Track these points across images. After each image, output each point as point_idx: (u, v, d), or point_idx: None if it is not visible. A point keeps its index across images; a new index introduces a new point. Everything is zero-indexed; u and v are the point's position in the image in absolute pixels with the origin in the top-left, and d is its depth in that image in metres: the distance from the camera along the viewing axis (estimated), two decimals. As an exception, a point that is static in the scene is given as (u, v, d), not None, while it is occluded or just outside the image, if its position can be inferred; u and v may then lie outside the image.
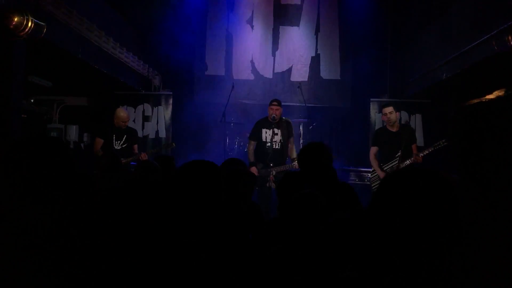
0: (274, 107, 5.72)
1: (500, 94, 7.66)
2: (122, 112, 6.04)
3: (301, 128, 7.90)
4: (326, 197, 2.19)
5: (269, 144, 5.74)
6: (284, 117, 5.84)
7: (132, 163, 5.91)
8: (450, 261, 0.89)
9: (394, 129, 5.58)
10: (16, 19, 4.27)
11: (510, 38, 4.54)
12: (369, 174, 6.66)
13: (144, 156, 5.76)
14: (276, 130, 5.73)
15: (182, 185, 1.91)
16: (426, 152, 5.25)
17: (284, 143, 5.70)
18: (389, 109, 5.56)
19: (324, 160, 3.08)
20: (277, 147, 5.67)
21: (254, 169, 5.51)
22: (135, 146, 6.13)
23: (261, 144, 5.81)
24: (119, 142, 5.96)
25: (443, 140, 5.15)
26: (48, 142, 1.59)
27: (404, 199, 0.92)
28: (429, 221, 0.93)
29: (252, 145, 5.92)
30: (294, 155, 5.71)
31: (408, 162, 5.30)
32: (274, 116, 5.71)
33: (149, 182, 3.29)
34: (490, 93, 7.72)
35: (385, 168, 5.54)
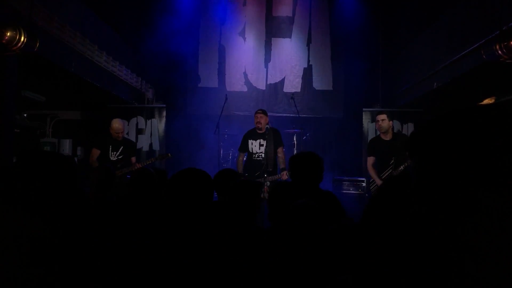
0: (259, 115, 5.75)
1: (490, 102, 7.75)
2: (116, 123, 5.93)
3: (294, 139, 7.91)
4: (318, 205, 2.21)
5: (255, 155, 5.76)
6: (270, 127, 5.81)
7: (128, 176, 5.85)
8: (444, 267, 0.89)
9: (388, 138, 5.59)
10: (8, 34, 4.28)
11: (498, 47, 4.60)
12: (363, 183, 6.66)
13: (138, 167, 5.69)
14: (262, 141, 5.74)
15: (177, 191, 1.99)
16: None
17: (271, 153, 5.67)
18: (382, 116, 5.59)
19: (314, 168, 3.11)
20: (263, 157, 5.67)
21: None
22: (133, 158, 6.07)
23: (249, 155, 5.83)
24: (115, 153, 5.90)
25: None
26: (45, 156, 1.59)
27: (394, 206, 0.94)
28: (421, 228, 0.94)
29: (241, 156, 5.96)
30: (283, 165, 5.69)
31: (401, 168, 5.29)
32: (259, 125, 5.73)
33: (144, 195, 3.28)
34: (481, 101, 7.82)
35: (382, 177, 5.52)
